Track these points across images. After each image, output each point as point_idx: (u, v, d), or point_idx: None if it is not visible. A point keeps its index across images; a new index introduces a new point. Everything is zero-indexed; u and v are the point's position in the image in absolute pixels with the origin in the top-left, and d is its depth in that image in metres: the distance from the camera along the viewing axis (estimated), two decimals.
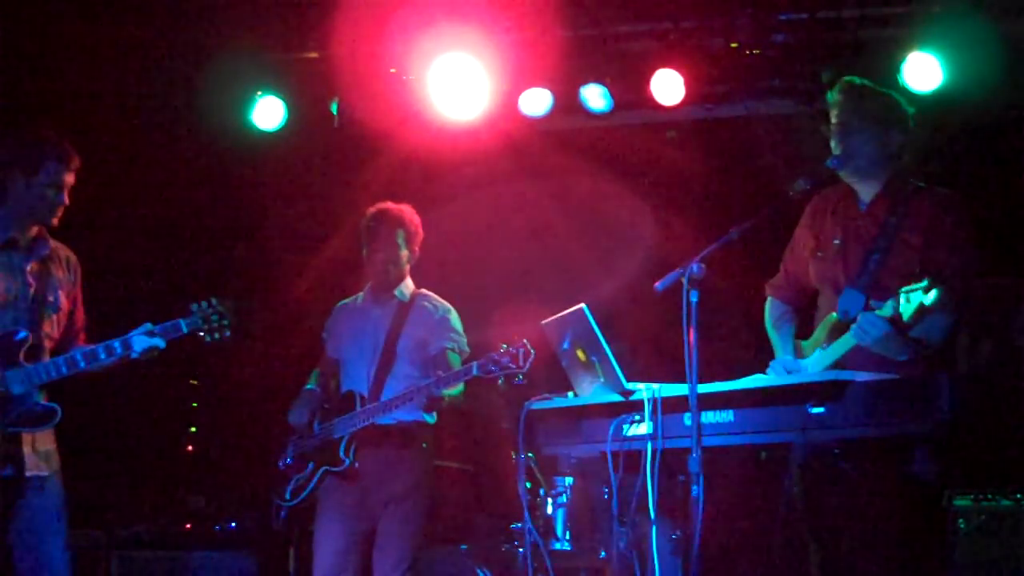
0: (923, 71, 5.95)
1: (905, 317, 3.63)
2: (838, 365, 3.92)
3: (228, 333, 4.50)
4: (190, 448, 7.92)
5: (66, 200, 4.46)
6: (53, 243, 4.54)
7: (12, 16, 6.11)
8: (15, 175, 4.41)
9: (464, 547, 6.13)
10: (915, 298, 3.57)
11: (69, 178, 4.47)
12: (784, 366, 4.08)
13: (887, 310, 3.70)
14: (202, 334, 4.48)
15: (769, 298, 4.48)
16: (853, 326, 3.82)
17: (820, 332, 4.10)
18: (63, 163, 4.44)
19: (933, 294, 3.53)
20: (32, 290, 4.41)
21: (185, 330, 4.45)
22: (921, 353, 3.84)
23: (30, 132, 4.51)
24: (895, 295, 3.67)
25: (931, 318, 3.77)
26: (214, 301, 4.48)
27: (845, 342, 3.89)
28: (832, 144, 4.14)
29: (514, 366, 4.65)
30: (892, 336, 3.74)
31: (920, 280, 3.56)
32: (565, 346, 4.20)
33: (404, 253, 5.17)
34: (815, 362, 4.03)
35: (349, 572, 4.95)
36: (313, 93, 6.81)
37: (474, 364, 4.74)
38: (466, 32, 6.33)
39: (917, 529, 3.75)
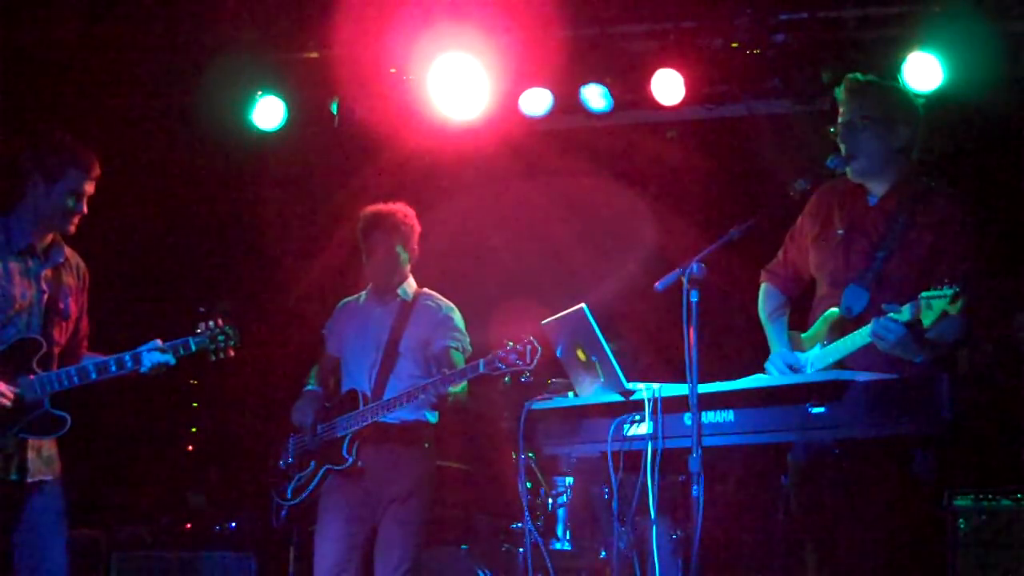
0: (923, 71, 5.94)
1: (926, 323, 3.60)
2: (839, 364, 3.91)
3: (232, 353, 4.54)
4: (190, 448, 7.93)
5: (84, 209, 4.46)
6: (67, 251, 4.55)
7: (13, 16, 6.11)
8: (36, 181, 4.41)
9: (464, 547, 6.12)
10: (937, 305, 3.54)
11: (89, 187, 4.47)
12: (783, 359, 4.04)
13: (905, 315, 3.65)
14: (209, 353, 4.52)
15: (764, 284, 4.43)
16: (867, 329, 3.77)
17: (820, 326, 4.06)
18: (84, 172, 4.44)
19: (958, 305, 3.51)
20: (46, 297, 4.42)
21: (194, 348, 4.49)
22: (936, 354, 3.82)
23: (51, 139, 4.50)
24: (903, 296, 3.65)
25: (947, 322, 3.75)
26: (221, 320, 4.51)
27: (849, 342, 3.86)
28: (839, 143, 4.12)
29: (521, 363, 4.64)
30: (908, 340, 3.71)
31: (942, 287, 3.53)
32: (565, 346, 4.20)
33: (403, 256, 5.17)
34: (816, 359, 4.00)
35: (350, 571, 4.94)
36: (313, 93, 6.80)
37: (481, 361, 4.73)
38: (466, 32, 6.33)
39: (916, 529, 3.75)
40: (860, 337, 3.82)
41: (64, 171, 4.40)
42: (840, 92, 4.15)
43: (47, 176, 4.40)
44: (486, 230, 7.36)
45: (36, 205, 4.42)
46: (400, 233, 5.14)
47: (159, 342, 4.45)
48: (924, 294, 3.57)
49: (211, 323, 4.51)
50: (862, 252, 4.04)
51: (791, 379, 3.79)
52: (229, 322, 4.52)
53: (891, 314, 3.69)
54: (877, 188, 4.11)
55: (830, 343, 3.97)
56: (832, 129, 4.15)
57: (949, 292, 3.51)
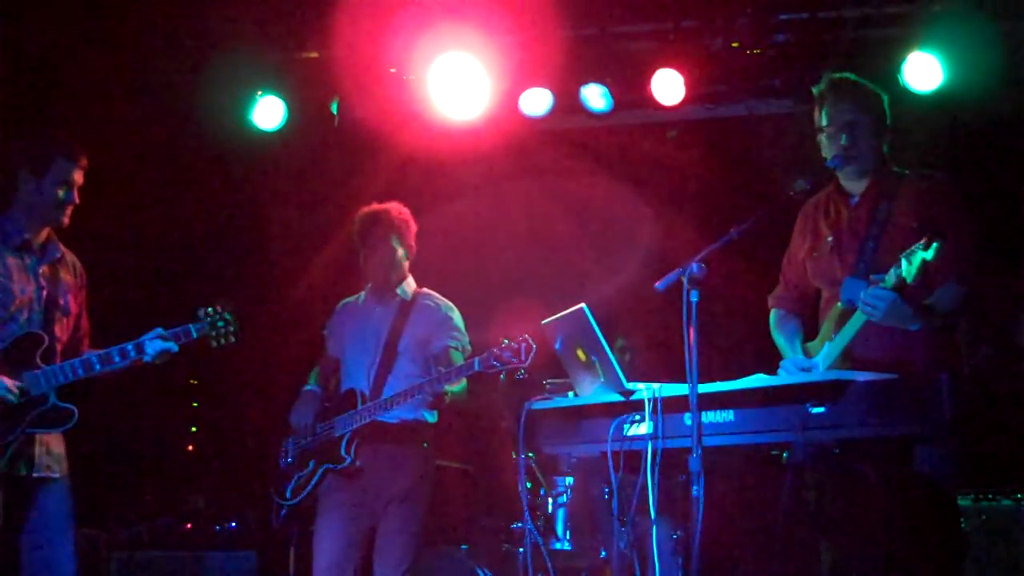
0: (923, 71, 5.96)
1: (909, 279, 3.63)
2: (847, 350, 3.92)
3: (235, 339, 4.54)
4: (190, 448, 7.93)
5: (76, 199, 4.48)
6: (63, 248, 4.56)
7: (13, 17, 6.12)
8: (25, 176, 4.43)
9: (464, 547, 6.12)
10: (916, 258, 3.58)
11: (78, 176, 4.48)
12: (796, 365, 4.05)
13: (889, 280, 3.70)
14: (210, 340, 4.51)
15: (773, 310, 4.47)
16: (859, 304, 3.81)
17: (827, 327, 4.08)
18: (72, 161, 4.46)
19: (933, 248, 3.53)
20: (45, 293, 4.43)
21: (195, 335, 4.49)
22: (933, 322, 3.84)
23: (37, 133, 4.52)
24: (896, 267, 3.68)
25: (943, 290, 3.79)
26: (220, 307, 4.52)
27: (851, 325, 3.88)
28: (827, 142, 4.12)
29: (516, 360, 4.64)
30: (899, 304, 3.74)
31: (919, 240, 3.56)
32: (565, 346, 4.20)
33: (401, 253, 5.17)
34: (825, 355, 4.01)
35: (349, 571, 4.94)
36: (313, 93, 6.81)
37: (476, 359, 4.74)
38: (466, 32, 6.34)
39: (921, 528, 3.75)
40: (858, 317, 3.85)
41: (51, 162, 4.42)
42: (827, 91, 4.14)
43: (35, 169, 4.42)
44: (486, 230, 7.36)
45: (28, 200, 4.44)
46: (397, 230, 5.15)
47: (161, 330, 4.45)
48: (904, 253, 3.61)
49: (210, 309, 4.50)
50: (852, 249, 4.07)
51: (791, 379, 3.79)
52: (228, 309, 4.52)
53: (879, 284, 3.73)
54: (857, 187, 4.14)
55: (836, 336, 3.98)
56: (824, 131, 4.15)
57: (921, 243, 3.55)
